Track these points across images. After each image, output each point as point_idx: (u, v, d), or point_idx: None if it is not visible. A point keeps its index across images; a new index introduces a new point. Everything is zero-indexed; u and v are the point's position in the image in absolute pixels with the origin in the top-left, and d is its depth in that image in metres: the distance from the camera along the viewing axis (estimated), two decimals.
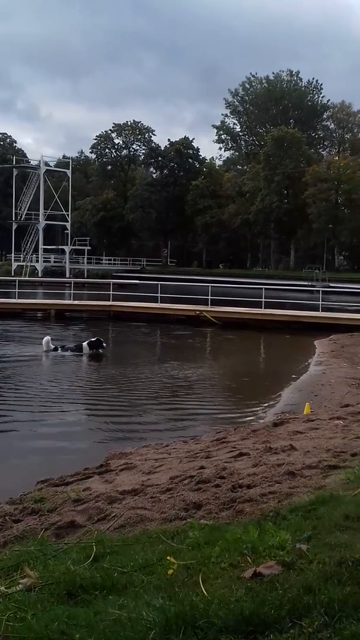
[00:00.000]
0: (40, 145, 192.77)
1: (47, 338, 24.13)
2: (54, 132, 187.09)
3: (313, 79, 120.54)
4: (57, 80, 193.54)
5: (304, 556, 4.05)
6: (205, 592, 3.60)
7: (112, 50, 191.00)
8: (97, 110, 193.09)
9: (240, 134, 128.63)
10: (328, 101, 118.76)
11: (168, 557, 4.21)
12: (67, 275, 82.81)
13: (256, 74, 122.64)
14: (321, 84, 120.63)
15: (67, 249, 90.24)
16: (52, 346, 23.73)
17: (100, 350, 23.69)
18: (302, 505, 5.44)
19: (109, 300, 37.22)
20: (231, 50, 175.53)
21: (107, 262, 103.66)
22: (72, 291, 40.31)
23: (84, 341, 24.15)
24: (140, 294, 40.25)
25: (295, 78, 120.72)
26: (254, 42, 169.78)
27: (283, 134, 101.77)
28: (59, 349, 23.82)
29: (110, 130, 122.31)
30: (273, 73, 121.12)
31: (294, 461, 7.50)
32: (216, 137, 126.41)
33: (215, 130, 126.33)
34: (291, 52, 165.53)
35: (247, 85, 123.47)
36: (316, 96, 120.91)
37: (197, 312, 34.23)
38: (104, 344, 23.99)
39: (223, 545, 4.43)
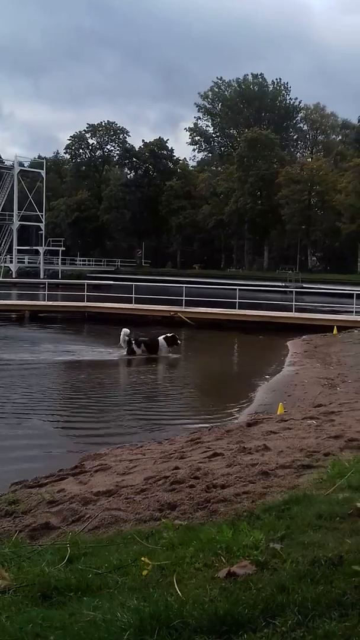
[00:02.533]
0: (4, 145, 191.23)
1: (125, 330, 23.82)
2: (17, 131, 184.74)
3: (279, 79, 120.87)
4: (18, 79, 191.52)
5: (278, 556, 4.07)
6: (179, 593, 3.61)
7: (72, 49, 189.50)
8: (61, 109, 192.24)
9: (214, 135, 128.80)
10: (299, 102, 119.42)
11: (142, 558, 4.21)
12: (42, 276, 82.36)
13: (222, 78, 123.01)
14: (287, 83, 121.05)
15: (41, 249, 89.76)
16: (127, 338, 23.40)
17: (167, 350, 23.26)
18: (275, 505, 5.47)
19: (84, 301, 37.11)
20: (190, 50, 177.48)
21: (81, 262, 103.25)
22: (46, 292, 40.14)
23: (159, 336, 23.77)
24: (114, 295, 40.15)
25: (261, 79, 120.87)
26: (213, 41, 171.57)
27: (257, 136, 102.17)
28: (133, 342, 23.40)
29: (84, 130, 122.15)
30: (239, 78, 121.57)
31: (267, 461, 7.53)
32: (189, 140, 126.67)
33: (188, 132, 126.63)
34: (251, 52, 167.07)
35: (216, 89, 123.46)
36: (287, 98, 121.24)
37: (172, 313, 34.21)
38: (179, 341, 23.58)
39: (197, 546, 4.44)
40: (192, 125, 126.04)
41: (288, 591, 3.49)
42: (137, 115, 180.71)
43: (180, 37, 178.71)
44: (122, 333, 23.64)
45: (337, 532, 4.47)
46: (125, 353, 23.24)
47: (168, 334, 23.54)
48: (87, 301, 37.11)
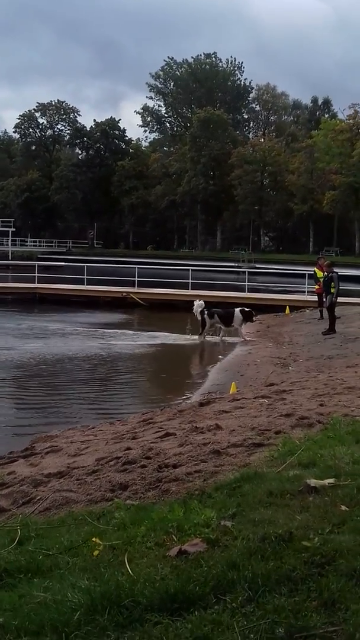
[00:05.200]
0: None
1: (200, 302, 23.42)
2: None
3: (234, 58, 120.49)
4: None
5: (229, 533, 4.10)
6: (130, 572, 3.61)
7: (5, 24, 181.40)
8: None
9: (166, 115, 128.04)
10: (250, 82, 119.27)
11: (94, 539, 4.21)
12: None
13: (173, 58, 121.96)
14: (242, 63, 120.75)
15: None
16: (200, 309, 22.97)
17: (241, 323, 22.59)
18: (227, 483, 5.50)
19: (34, 283, 36.70)
20: (126, 26, 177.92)
21: (32, 243, 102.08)
22: None
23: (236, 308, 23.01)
24: (66, 276, 39.78)
25: (214, 59, 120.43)
26: (147, 17, 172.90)
27: (209, 116, 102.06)
28: (206, 312, 22.79)
29: (34, 109, 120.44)
30: (192, 57, 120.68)
31: (219, 440, 7.57)
32: (140, 121, 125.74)
33: (138, 112, 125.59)
34: (189, 28, 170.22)
35: (167, 68, 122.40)
36: (240, 78, 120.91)
37: (124, 294, 34.11)
38: (254, 319, 22.99)
39: (149, 525, 4.45)
40: (140, 104, 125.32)
41: (238, 568, 3.52)
42: (76, 94, 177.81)
43: (114, 13, 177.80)
44: (195, 304, 23.27)
45: (288, 509, 4.52)
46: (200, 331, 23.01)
47: (245, 308, 22.90)
48: (38, 282, 36.71)
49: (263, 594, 3.28)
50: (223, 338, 23.08)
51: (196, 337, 23.06)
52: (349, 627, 2.97)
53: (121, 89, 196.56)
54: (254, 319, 23.38)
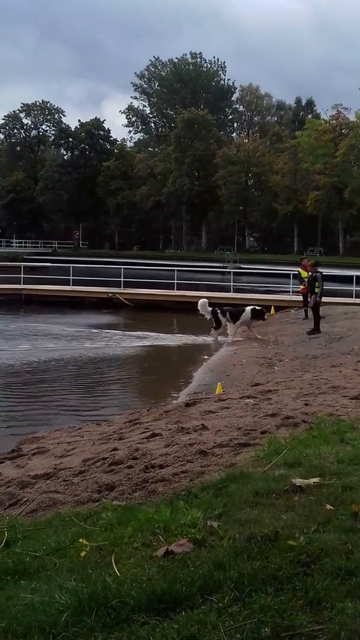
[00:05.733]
0: None
1: (203, 300, 23.61)
2: None
3: (216, 58, 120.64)
4: None
5: (215, 533, 4.11)
6: (117, 573, 3.62)
7: None
8: None
9: (150, 115, 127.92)
10: (233, 82, 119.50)
11: (81, 540, 4.22)
12: None
13: (158, 57, 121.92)
14: (224, 62, 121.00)
15: None
16: (210, 308, 23.13)
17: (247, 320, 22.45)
18: (213, 483, 5.52)
19: (20, 284, 36.55)
20: (107, 25, 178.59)
21: (17, 245, 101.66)
22: None
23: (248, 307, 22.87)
24: (52, 277, 39.69)
25: (199, 60, 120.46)
26: (128, 16, 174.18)
27: (193, 116, 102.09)
28: (218, 311, 22.91)
29: (18, 110, 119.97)
30: (177, 58, 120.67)
31: (205, 440, 7.59)
32: (125, 121, 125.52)
33: (122, 113, 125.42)
34: (169, 28, 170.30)
35: (153, 68, 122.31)
36: (223, 78, 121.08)
37: (110, 294, 34.11)
38: (265, 317, 22.95)
39: (136, 525, 4.46)
40: (122, 104, 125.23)
41: (225, 568, 3.54)
42: (59, 93, 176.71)
43: (94, 12, 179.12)
44: (200, 303, 23.54)
45: (273, 508, 4.54)
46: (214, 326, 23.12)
47: (257, 306, 22.88)
48: (23, 283, 36.58)
49: (249, 593, 3.30)
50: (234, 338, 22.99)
51: (183, 336, 23.23)
52: (334, 626, 2.99)
53: (103, 88, 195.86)
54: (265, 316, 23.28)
